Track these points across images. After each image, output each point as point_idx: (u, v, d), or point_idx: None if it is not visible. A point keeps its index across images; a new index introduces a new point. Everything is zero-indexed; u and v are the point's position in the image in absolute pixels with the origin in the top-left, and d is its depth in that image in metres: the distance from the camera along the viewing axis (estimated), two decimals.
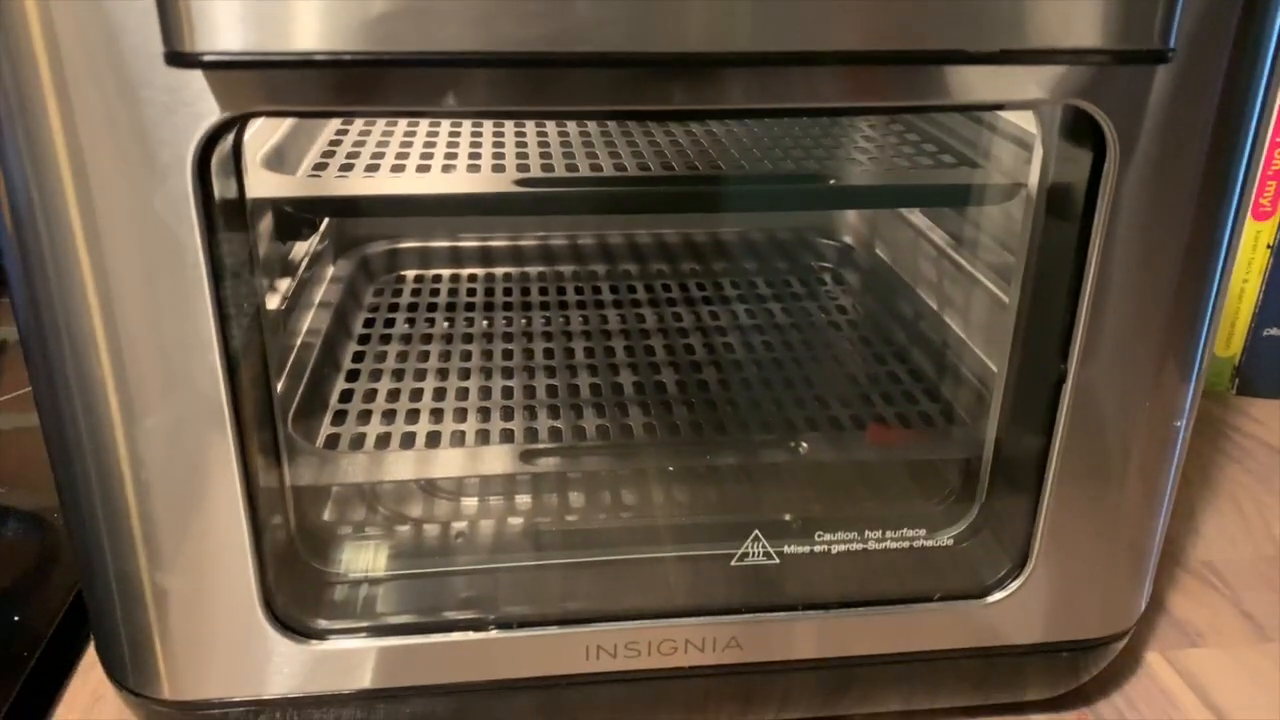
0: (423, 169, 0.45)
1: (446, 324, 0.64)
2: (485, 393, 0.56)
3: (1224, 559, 0.62)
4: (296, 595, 0.40)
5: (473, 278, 0.71)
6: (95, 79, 0.30)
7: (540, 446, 0.48)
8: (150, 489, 0.37)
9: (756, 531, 0.41)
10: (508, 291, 0.69)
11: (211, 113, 0.30)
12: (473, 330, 0.63)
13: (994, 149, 0.48)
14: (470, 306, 0.67)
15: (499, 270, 0.72)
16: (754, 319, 0.66)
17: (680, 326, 0.65)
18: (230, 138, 0.33)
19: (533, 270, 0.72)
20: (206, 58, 0.27)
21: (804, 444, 0.46)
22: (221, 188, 0.34)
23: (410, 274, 0.71)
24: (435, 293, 0.69)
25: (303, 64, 0.27)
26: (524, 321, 0.65)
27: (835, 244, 0.75)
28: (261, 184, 0.41)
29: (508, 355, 0.60)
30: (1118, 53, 0.30)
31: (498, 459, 0.46)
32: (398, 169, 0.46)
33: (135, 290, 0.33)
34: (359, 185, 0.43)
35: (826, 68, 0.30)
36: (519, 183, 0.42)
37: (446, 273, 0.71)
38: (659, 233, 0.76)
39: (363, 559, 0.44)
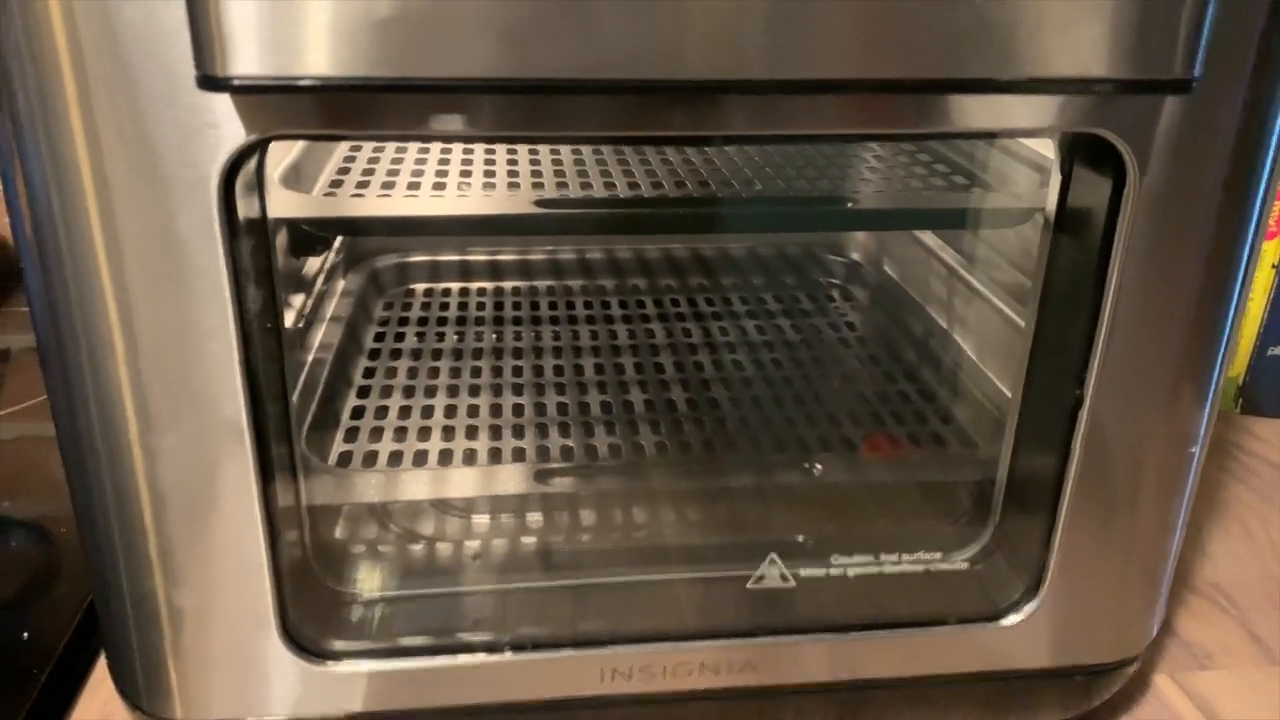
0: (438, 186, 0.45)
1: (457, 338, 0.64)
2: (496, 410, 0.56)
3: (1231, 580, 0.62)
4: (312, 615, 0.40)
5: (482, 291, 0.71)
6: (121, 98, 0.30)
7: (553, 466, 0.48)
8: (167, 505, 0.37)
9: (773, 555, 0.41)
10: (517, 306, 0.69)
11: (238, 136, 0.30)
12: (483, 345, 0.63)
13: (1009, 172, 0.48)
14: (480, 321, 0.67)
15: (508, 284, 0.72)
16: (763, 334, 0.66)
17: (689, 342, 0.65)
18: (254, 159, 0.33)
19: (541, 284, 0.72)
20: (237, 82, 0.27)
21: (818, 465, 0.46)
22: (244, 207, 0.34)
23: (420, 287, 0.71)
24: (445, 306, 0.69)
25: (331, 89, 0.27)
26: (534, 336, 0.65)
27: (843, 260, 0.75)
28: (283, 204, 0.41)
29: (518, 371, 0.60)
30: (1141, 82, 0.30)
31: (511, 478, 0.46)
32: (413, 185, 0.46)
33: (156, 307, 0.33)
34: (378, 206, 0.43)
35: (844, 95, 0.30)
36: (538, 203, 0.42)
37: (456, 286, 0.71)
38: (667, 247, 0.76)
39: (376, 578, 0.43)
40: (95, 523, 0.37)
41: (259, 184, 0.34)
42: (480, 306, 0.69)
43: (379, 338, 0.64)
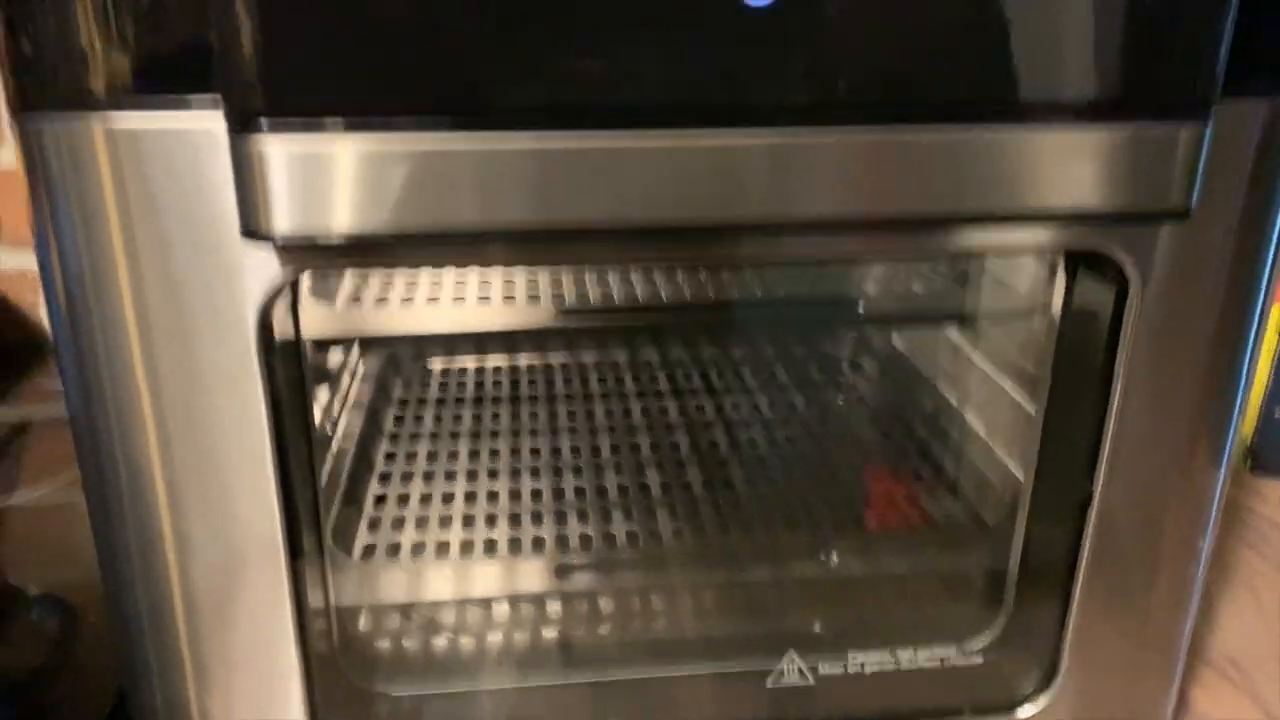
0: (457, 295, 0.46)
1: (473, 419, 0.65)
2: (515, 495, 0.57)
3: (1243, 651, 0.62)
4: (339, 716, 0.41)
5: (498, 370, 0.72)
6: (164, 242, 0.32)
7: (573, 563, 0.49)
8: (199, 611, 0.38)
9: (791, 652, 0.42)
10: (532, 382, 0.70)
11: (275, 274, 0.32)
12: (499, 427, 0.65)
13: (1013, 273, 0.50)
14: (496, 400, 0.68)
15: (523, 358, 0.73)
16: (774, 410, 0.67)
17: (703, 420, 0.66)
18: (289, 289, 0.35)
19: (556, 360, 0.73)
20: (280, 240, 0.28)
21: (834, 555, 0.47)
22: (279, 329, 0.35)
23: (438, 365, 0.72)
24: (462, 386, 0.70)
25: (369, 242, 0.29)
26: (549, 416, 0.66)
27: (853, 332, 0.77)
28: (315, 324, 0.42)
29: (535, 453, 0.61)
30: (1140, 214, 0.31)
31: (532, 575, 0.47)
32: (433, 289, 0.47)
33: (193, 432, 0.34)
34: (405, 322, 0.44)
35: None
36: (563, 312, 0.43)
37: (472, 365, 0.72)
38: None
39: (400, 676, 0.44)
40: (128, 626, 0.38)
41: (294, 310, 0.36)
42: (496, 385, 0.70)
43: (398, 420, 0.65)
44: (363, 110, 0.27)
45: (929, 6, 0.28)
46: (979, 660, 0.45)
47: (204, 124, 0.30)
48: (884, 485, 0.59)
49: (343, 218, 0.28)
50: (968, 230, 0.33)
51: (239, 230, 0.30)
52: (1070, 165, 0.30)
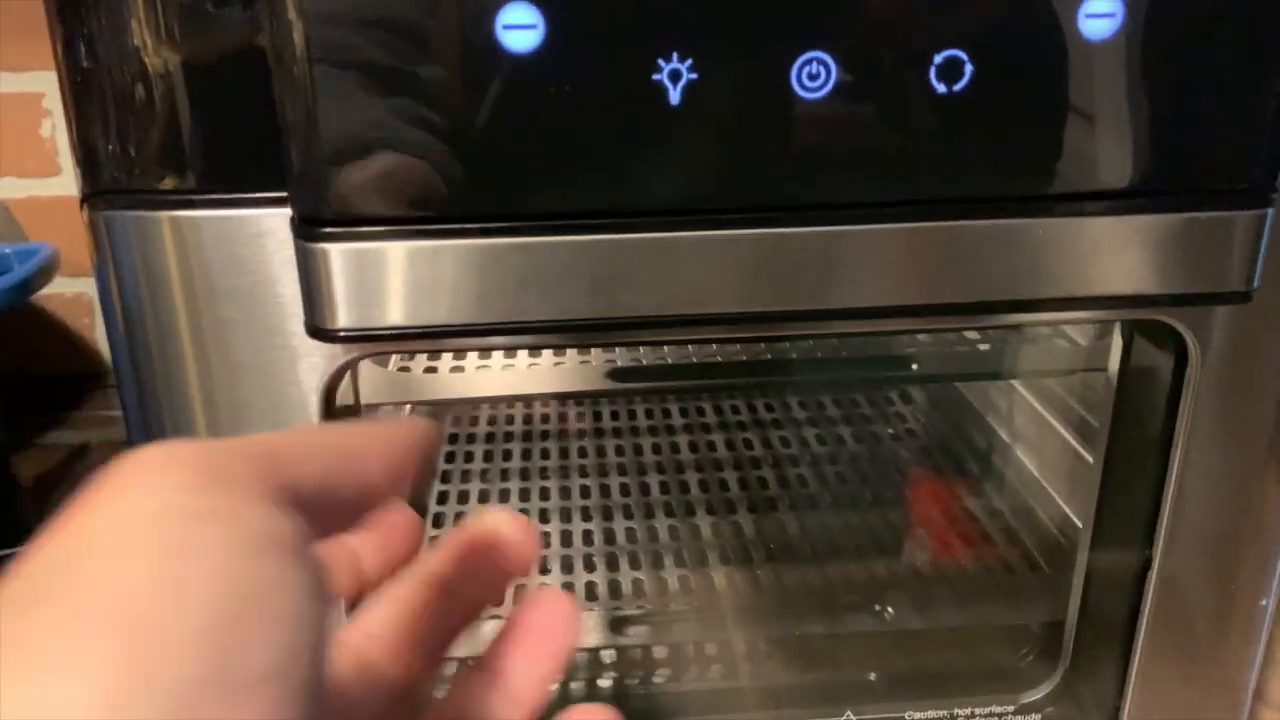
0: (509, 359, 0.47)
1: (523, 457, 0.66)
2: (567, 538, 0.57)
3: None
4: None
5: (545, 403, 0.73)
6: (229, 327, 0.32)
7: (628, 613, 0.49)
8: None
9: (849, 713, 0.42)
10: (580, 416, 0.71)
11: (338, 359, 0.32)
12: (549, 464, 0.65)
13: (1072, 328, 0.49)
14: (545, 435, 0.69)
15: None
16: (823, 444, 0.67)
17: (751, 455, 0.66)
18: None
19: (605, 405, 0.73)
20: (343, 333, 0.29)
21: (889, 609, 0.47)
22: (339, 400, 0.36)
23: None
24: (510, 420, 0.71)
25: (439, 334, 0.30)
26: (598, 451, 0.66)
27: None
28: (373, 390, 0.43)
29: (585, 492, 0.62)
30: (1201, 295, 0.31)
31: (588, 629, 0.47)
32: (484, 361, 0.48)
33: None
34: (460, 385, 0.45)
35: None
36: (610, 374, 0.44)
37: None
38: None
39: None
40: None
41: (354, 383, 0.36)
42: (545, 419, 0.71)
43: (449, 457, 0.66)
44: (419, 218, 0.28)
45: (983, 101, 0.28)
46: (1037, 716, 0.45)
47: (268, 218, 0.30)
48: (936, 515, 0.59)
49: (399, 312, 0.29)
50: (1027, 312, 0.33)
51: (304, 325, 0.30)
52: (1129, 253, 0.29)
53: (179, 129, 0.30)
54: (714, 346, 0.50)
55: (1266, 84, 0.29)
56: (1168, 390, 0.38)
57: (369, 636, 0.25)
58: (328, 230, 0.28)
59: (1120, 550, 0.42)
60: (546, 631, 0.25)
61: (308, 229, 0.28)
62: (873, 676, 0.47)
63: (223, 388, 0.34)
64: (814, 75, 0.27)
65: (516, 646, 0.25)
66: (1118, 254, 0.30)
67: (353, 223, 0.28)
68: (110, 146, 0.31)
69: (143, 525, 0.16)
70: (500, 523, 0.25)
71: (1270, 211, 0.30)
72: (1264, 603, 0.42)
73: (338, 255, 0.28)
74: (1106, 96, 0.28)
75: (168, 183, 0.31)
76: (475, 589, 0.26)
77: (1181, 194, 0.29)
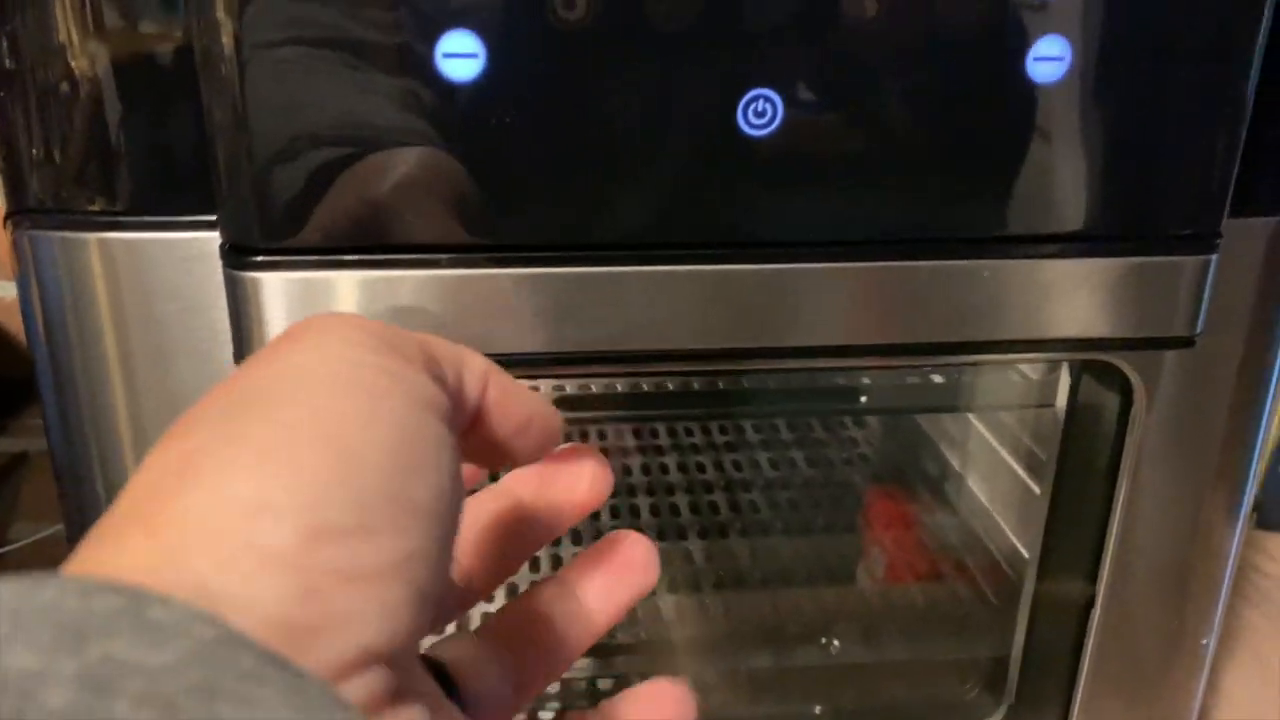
0: None
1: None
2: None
3: (1249, 718, 0.61)
4: None
5: None
6: (161, 353, 0.31)
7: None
8: None
9: None
10: None
11: None
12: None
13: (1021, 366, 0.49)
14: None
15: None
16: (776, 469, 0.67)
17: (703, 479, 0.66)
18: None
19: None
20: None
21: (835, 641, 0.46)
22: None
23: None
24: None
25: None
26: None
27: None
28: None
29: None
30: (1147, 340, 0.31)
31: None
32: None
33: None
34: None
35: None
36: (558, 403, 0.43)
37: None
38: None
39: None
40: None
41: None
42: None
43: None
44: (351, 248, 0.27)
45: (936, 143, 0.28)
46: None
47: (201, 241, 0.29)
48: (888, 541, 0.59)
49: None
50: (976, 354, 0.33)
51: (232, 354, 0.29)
52: (1078, 297, 0.29)
53: (108, 146, 0.29)
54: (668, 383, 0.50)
55: (1211, 132, 0.29)
56: (1114, 428, 0.38)
57: None
58: (258, 259, 0.27)
59: (1066, 584, 0.43)
60: (627, 566, 0.26)
61: (236, 256, 0.27)
62: (818, 710, 0.47)
63: (151, 414, 0.33)
64: (760, 112, 0.27)
65: (595, 571, 0.26)
66: (1067, 297, 0.30)
67: (285, 251, 0.27)
68: (35, 164, 0.30)
69: (344, 369, 0.19)
70: (584, 455, 0.26)
71: (1214, 258, 0.30)
72: (1205, 641, 0.42)
73: (271, 286, 0.27)
74: (1054, 140, 0.28)
75: (96, 203, 0.30)
76: (547, 517, 0.27)
77: (1128, 239, 0.29)
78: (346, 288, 0.28)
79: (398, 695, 0.18)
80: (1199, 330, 0.31)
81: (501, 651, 0.26)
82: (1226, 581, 0.41)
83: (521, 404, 0.23)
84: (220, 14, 0.25)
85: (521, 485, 0.27)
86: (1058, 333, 0.30)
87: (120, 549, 0.17)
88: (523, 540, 0.27)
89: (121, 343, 0.31)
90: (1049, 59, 0.28)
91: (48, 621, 0.14)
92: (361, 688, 0.17)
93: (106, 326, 0.31)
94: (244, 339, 0.28)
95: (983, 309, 0.29)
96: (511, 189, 0.27)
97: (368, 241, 0.27)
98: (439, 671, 0.25)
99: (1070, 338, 0.30)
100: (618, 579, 0.26)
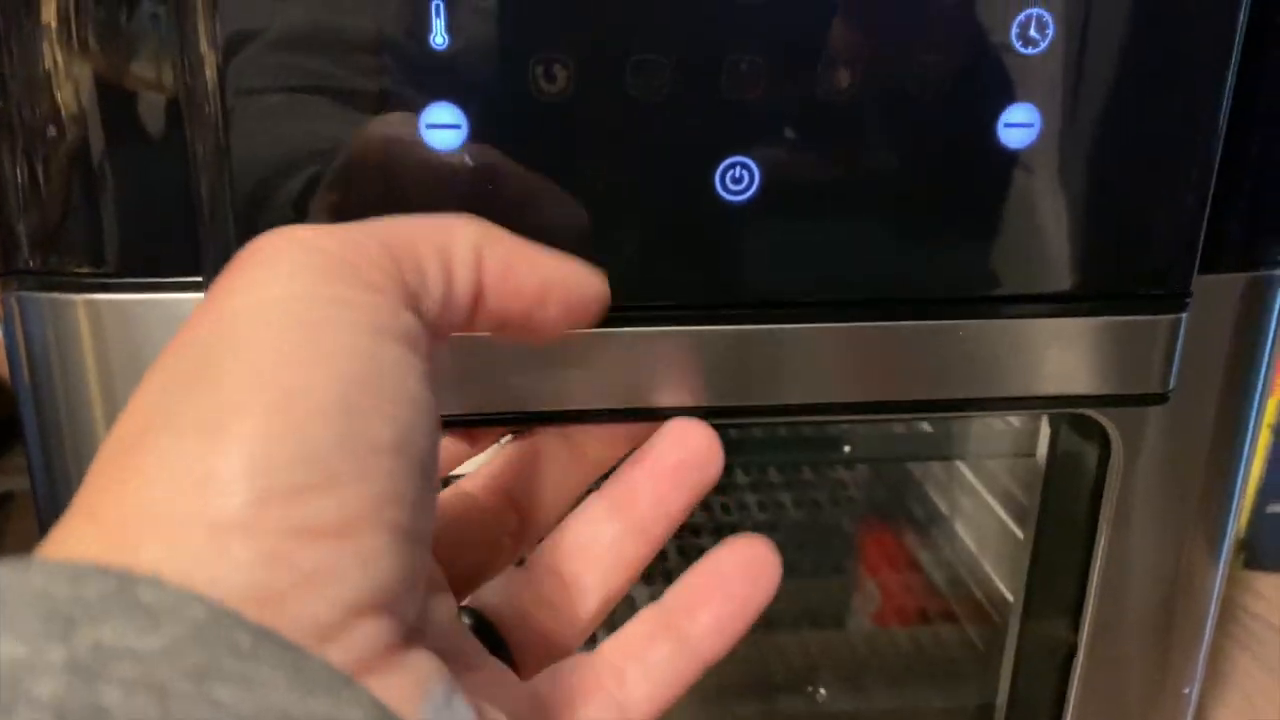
0: None
1: None
2: None
3: None
4: None
5: None
6: None
7: None
8: None
9: None
10: None
11: None
12: None
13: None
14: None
15: None
16: (764, 511, 0.67)
17: (691, 522, 0.66)
18: None
19: None
20: None
21: (822, 690, 0.46)
22: None
23: None
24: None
25: None
26: None
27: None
28: None
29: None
30: (1120, 397, 0.31)
31: None
32: None
33: None
34: None
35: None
36: None
37: None
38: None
39: None
40: None
41: None
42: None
43: None
44: None
45: (911, 208, 0.28)
46: None
47: (190, 302, 0.30)
48: (880, 578, 0.59)
49: None
50: (953, 411, 0.33)
51: None
52: (1052, 354, 0.30)
53: (96, 211, 0.30)
54: None
55: (1180, 194, 0.30)
56: (1093, 477, 0.38)
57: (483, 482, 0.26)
58: None
59: (1049, 632, 0.43)
60: (684, 466, 0.25)
61: None
62: None
63: None
64: (737, 179, 0.27)
65: (649, 476, 0.25)
66: (1041, 356, 0.30)
67: None
68: (22, 228, 0.30)
69: (281, 309, 0.18)
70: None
71: (1185, 316, 0.31)
72: (1188, 690, 0.42)
73: None
74: (1025, 204, 0.29)
75: (84, 265, 0.30)
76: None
77: (1101, 299, 0.29)
78: None
79: (404, 643, 0.17)
80: (1172, 386, 0.32)
81: (551, 582, 0.25)
82: (1208, 632, 0.41)
83: (533, 273, 0.22)
84: (209, 84, 0.26)
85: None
86: (1033, 390, 0.31)
87: (72, 542, 0.16)
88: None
89: (108, 401, 0.31)
90: (1018, 125, 0.28)
91: (36, 608, 0.14)
92: (353, 647, 0.16)
93: (93, 385, 0.31)
94: None
95: (959, 368, 0.30)
96: None
97: None
98: (480, 621, 0.23)
99: (1046, 395, 0.31)
100: (674, 482, 0.25)
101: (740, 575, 0.25)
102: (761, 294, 0.29)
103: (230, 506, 0.16)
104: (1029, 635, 0.45)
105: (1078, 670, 0.41)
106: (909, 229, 0.29)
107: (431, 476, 0.19)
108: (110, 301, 0.30)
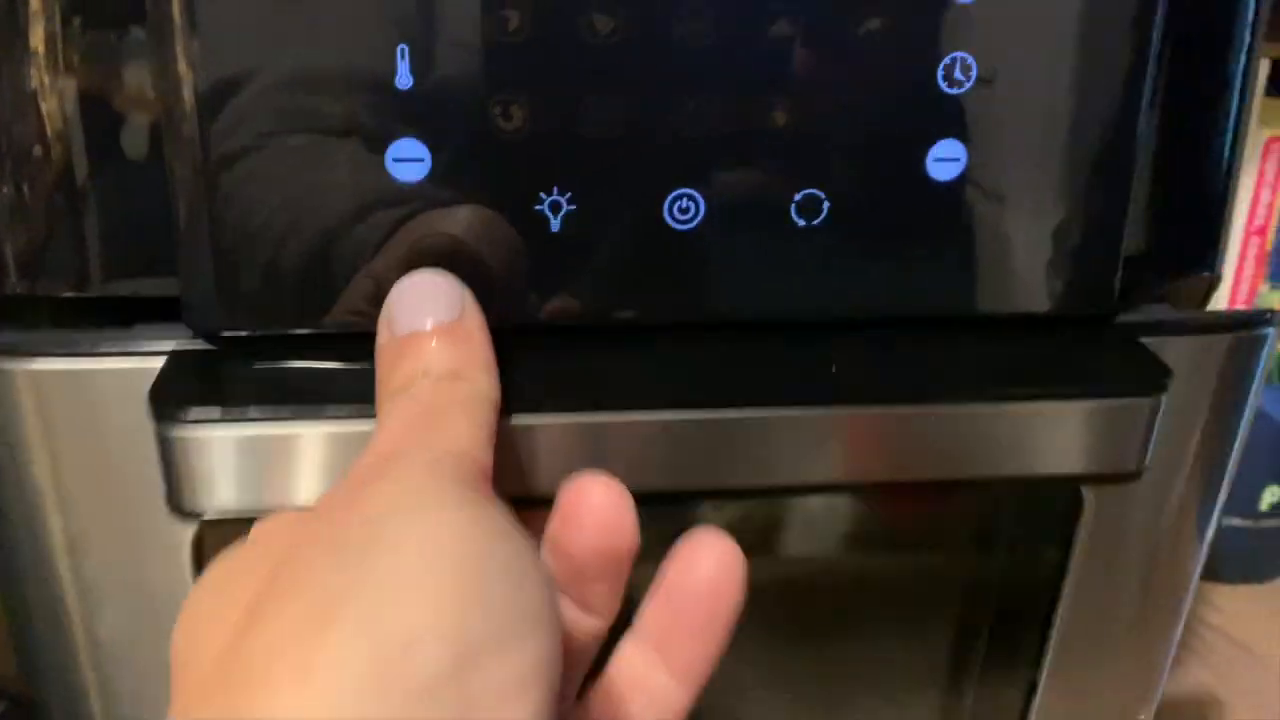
0: None
1: None
2: None
3: None
4: None
5: None
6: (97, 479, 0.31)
7: None
8: None
9: None
10: None
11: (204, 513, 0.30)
12: None
13: None
14: None
15: None
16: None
17: None
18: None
19: None
20: (206, 516, 0.29)
21: None
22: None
23: None
24: None
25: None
26: None
27: None
28: None
29: None
30: (1099, 476, 0.33)
31: None
32: None
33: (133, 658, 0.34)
34: None
35: None
36: None
37: None
38: None
39: None
40: None
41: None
42: None
43: None
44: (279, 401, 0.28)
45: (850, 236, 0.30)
46: None
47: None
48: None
49: (259, 495, 0.29)
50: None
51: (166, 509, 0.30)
52: (1041, 438, 0.31)
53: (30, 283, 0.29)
54: None
55: (1100, 220, 0.32)
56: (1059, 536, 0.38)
57: None
58: (188, 410, 0.28)
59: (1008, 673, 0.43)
60: (706, 593, 0.24)
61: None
62: None
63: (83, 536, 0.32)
64: (684, 209, 0.29)
65: (676, 616, 0.24)
66: (1018, 438, 0.31)
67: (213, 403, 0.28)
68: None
69: (434, 494, 0.20)
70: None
71: (1165, 398, 0.32)
72: (1143, 717, 0.43)
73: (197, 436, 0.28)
74: (956, 233, 0.31)
75: (19, 336, 0.29)
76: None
77: (1094, 385, 0.31)
78: (263, 438, 0.28)
79: None
80: (1147, 464, 0.33)
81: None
82: (1164, 668, 0.42)
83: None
84: (187, 132, 0.27)
85: None
86: (1009, 471, 0.31)
87: (271, 698, 0.17)
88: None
89: (55, 470, 0.31)
90: (947, 160, 0.30)
91: None
92: None
93: (38, 451, 0.31)
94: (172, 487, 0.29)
95: (957, 452, 0.31)
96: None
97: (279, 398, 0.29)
98: None
99: (1022, 475, 0.32)
100: (702, 616, 0.24)
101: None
102: (706, 314, 0.30)
103: (436, 665, 0.18)
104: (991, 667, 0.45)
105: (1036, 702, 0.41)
106: (849, 254, 0.30)
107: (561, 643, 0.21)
108: (52, 369, 0.29)
